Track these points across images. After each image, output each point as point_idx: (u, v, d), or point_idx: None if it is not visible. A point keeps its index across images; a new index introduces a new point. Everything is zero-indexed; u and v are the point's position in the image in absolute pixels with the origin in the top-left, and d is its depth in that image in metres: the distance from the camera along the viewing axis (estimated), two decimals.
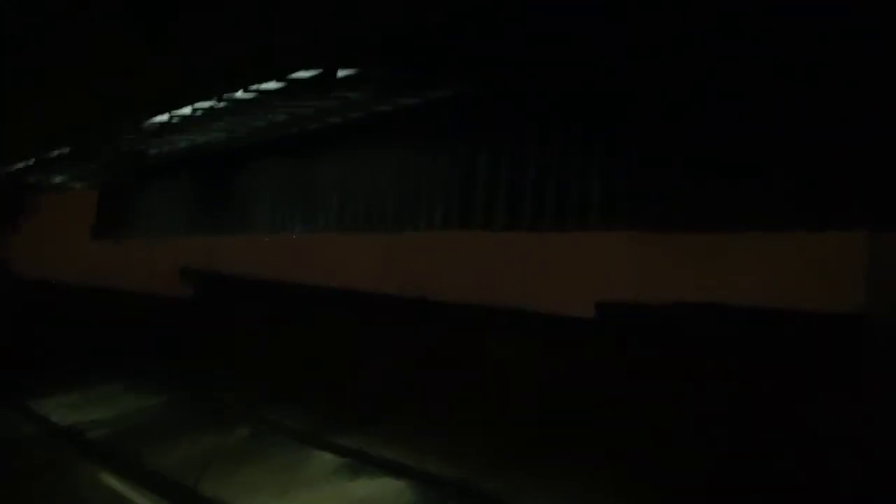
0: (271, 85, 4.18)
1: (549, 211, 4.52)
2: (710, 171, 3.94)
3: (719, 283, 4.76)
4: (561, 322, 5.39)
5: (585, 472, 4.78)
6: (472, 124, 5.00)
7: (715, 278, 4.80)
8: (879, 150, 3.30)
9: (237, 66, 3.88)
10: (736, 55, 3.63)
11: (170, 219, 8.61)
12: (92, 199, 10.31)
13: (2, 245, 12.49)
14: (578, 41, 3.95)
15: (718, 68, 3.68)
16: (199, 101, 4.59)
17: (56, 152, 7.07)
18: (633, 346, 5.15)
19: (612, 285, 5.26)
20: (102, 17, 4.88)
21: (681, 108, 3.92)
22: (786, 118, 3.54)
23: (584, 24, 3.73)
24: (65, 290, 10.94)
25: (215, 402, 7.18)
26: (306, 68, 4.07)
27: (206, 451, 6.11)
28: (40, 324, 10.15)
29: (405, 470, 5.27)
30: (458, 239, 5.51)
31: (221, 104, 4.67)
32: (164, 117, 5.50)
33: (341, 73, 4.27)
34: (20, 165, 7.74)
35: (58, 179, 9.79)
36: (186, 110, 5.05)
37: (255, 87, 4.15)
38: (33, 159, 7.46)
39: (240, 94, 4.31)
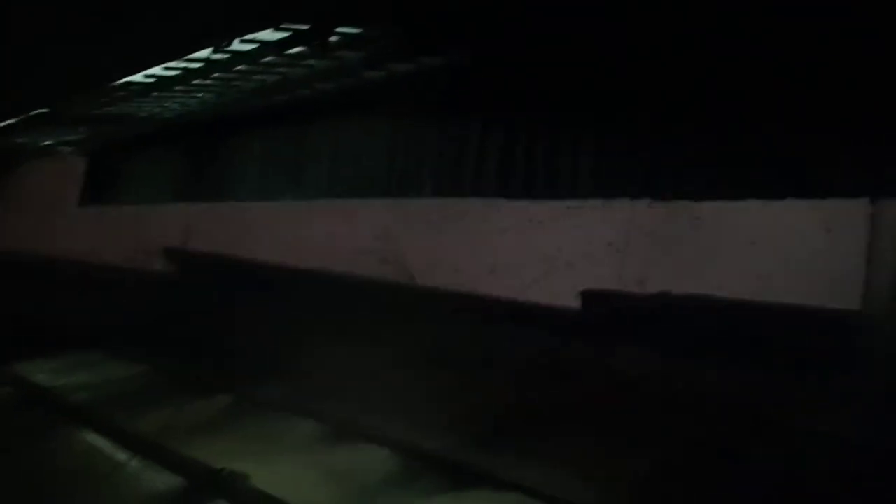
0: (267, 35, 4.11)
1: (540, 178, 4.52)
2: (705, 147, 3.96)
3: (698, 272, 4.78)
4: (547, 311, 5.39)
5: (569, 453, 4.75)
6: (465, 93, 4.97)
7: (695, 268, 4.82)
8: (880, 149, 3.30)
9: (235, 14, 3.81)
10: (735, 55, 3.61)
11: (159, 188, 8.55)
12: (79, 167, 10.20)
13: None
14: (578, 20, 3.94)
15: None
16: (194, 51, 4.50)
17: (35, 112, 6.93)
18: (619, 335, 5.13)
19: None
20: None
21: (676, 76, 3.91)
22: (786, 118, 3.53)
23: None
24: (43, 261, 10.82)
25: (197, 373, 7.11)
26: (303, 21, 4.02)
27: (187, 418, 6.06)
28: (18, 295, 10.01)
29: (389, 440, 5.23)
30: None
31: (217, 56, 4.60)
32: (139, 77, 5.41)
33: (338, 30, 4.22)
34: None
35: (45, 143, 9.63)
36: (174, 65, 4.98)
37: (251, 36, 4.08)
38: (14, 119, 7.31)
39: (236, 43, 4.23)
